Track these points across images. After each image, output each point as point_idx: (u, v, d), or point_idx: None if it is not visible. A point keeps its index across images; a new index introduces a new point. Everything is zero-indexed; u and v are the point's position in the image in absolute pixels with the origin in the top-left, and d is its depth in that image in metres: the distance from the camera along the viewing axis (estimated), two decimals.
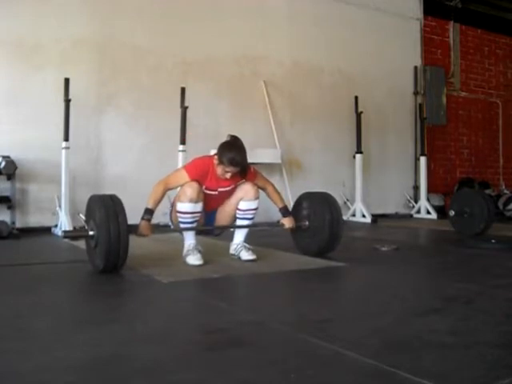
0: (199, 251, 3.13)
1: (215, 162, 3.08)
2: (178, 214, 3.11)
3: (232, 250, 3.32)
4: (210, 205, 3.22)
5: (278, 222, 3.44)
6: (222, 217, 3.30)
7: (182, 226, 3.15)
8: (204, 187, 3.11)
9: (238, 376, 1.40)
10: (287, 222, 3.35)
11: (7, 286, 2.60)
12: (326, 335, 1.73)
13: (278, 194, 3.40)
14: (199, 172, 3.09)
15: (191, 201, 3.02)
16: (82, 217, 3.01)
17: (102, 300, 2.34)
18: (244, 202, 3.23)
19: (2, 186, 4.59)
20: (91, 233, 2.81)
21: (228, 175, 3.07)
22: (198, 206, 3.07)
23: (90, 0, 5.22)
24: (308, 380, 1.37)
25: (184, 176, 3.07)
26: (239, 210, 3.25)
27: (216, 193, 3.18)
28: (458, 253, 3.80)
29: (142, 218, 2.98)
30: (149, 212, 2.99)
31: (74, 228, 4.30)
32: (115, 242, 2.67)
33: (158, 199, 3.04)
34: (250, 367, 1.47)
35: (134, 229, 2.91)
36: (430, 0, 7.64)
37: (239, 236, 3.31)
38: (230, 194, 3.24)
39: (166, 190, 3.08)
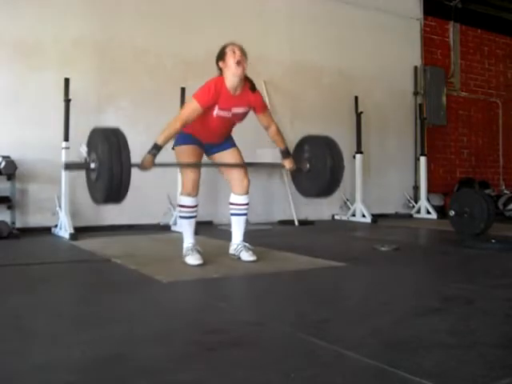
0: (198, 251, 3.14)
1: (225, 71, 3.10)
2: (179, 208, 3.24)
3: (232, 251, 3.32)
4: (217, 132, 3.19)
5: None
6: (219, 162, 3.30)
7: (182, 220, 3.25)
8: (217, 108, 3.07)
9: (238, 376, 1.40)
10: (288, 164, 3.33)
11: (7, 286, 2.60)
12: (326, 335, 1.73)
13: (281, 135, 3.36)
14: (210, 96, 3.04)
15: (189, 195, 3.13)
16: (85, 148, 2.92)
17: (102, 300, 2.34)
18: (236, 196, 3.26)
19: (2, 185, 4.58)
20: (93, 166, 2.75)
21: (239, 55, 3.07)
22: (196, 200, 3.18)
23: (90, 0, 5.21)
24: (308, 380, 1.37)
25: (196, 107, 3.02)
26: (232, 204, 3.29)
27: (229, 115, 3.13)
28: (458, 253, 3.80)
29: (149, 152, 2.94)
30: (156, 147, 2.94)
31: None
32: (117, 178, 2.63)
33: (171, 136, 3.02)
34: (250, 367, 1.47)
35: (137, 164, 2.89)
36: (429, 0, 7.63)
37: (238, 235, 3.31)
38: (240, 118, 3.20)
39: (183, 125, 3.02)
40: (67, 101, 4.60)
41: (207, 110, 3.05)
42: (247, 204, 3.29)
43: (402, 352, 1.58)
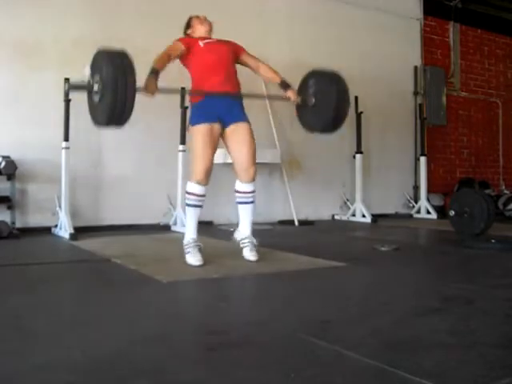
0: (199, 249, 3.08)
1: (191, 32, 3.37)
2: (186, 195, 3.14)
3: (237, 236, 3.26)
4: (218, 65, 3.20)
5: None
6: (228, 140, 3.22)
7: (187, 208, 3.16)
8: (200, 41, 3.23)
9: (238, 376, 1.40)
10: (291, 95, 3.30)
11: (7, 286, 2.60)
12: (325, 335, 1.73)
13: (274, 69, 3.38)
14: (188, 39, 3.29)
15: (199, 183, 3.06)
16: (88, 69, 2.90)
17: (102, 300, 2.34)
18: (241, 184, 3.20)
19: (2, 185, 4.58)
20: (96, 88, 2.73)
21: (203, 19, 3.36)
22: (204, 189, 3.10)
23: (90, 0, 5.21)
24: (308, 380, 1.37)
25: (178, 44, 3.22)
26: (238, 191, 3.22)
27: (213, 40, 3.27)
28: (458, 253, 3.79)
29: (149, 76, 2.97)
30: (155, 71, 2.99)
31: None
32: (121, 102, 2.62)
33: (165, 63, 3.11)
34: (250, 367, 1.47)
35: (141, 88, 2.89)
36: (429, 0, 7.63)
37: (246, 226, 3.23)
38: (228, 51, 3.27)
39: (170, 57, 3.17)
40: (67, 101, 4.59)
41: (191, 50, 3.19)
42: (253, 192, 3.21)
43: (402, 352, 1.58)
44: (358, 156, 6.38)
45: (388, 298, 2.37)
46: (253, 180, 3.20)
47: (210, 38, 3.30)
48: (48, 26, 4.97)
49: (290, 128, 6.35)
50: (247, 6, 6.08)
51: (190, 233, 3.14)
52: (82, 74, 2.93)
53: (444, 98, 7.74)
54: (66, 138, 4.56)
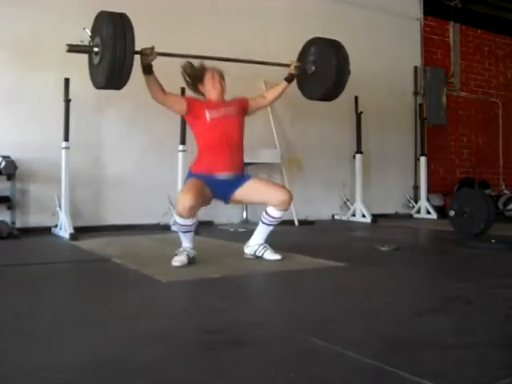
0: (188, 255, 3.06)
1: (203, 90, 3.26)
2: (177, 225, 3.14)
3: (251, 251, 3.27)
4: (225, 146, 3.12)
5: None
6: (244, 196, 3.21)
7: (178, 232, 3.16)
8: (207, 112, 3.13)
9: (238, 376, 1.40)
10: (293, 64, 3.38)
11: (7, 286, 2.61)
12: (325, 335, 1.72)
13: (275, 86, 3.46)
14: (194, 98, 3.24)
15: (181, 216, 2.98)
16: (88, 32, 2.92)
17: (102, 300, 2.34)
18: (277, 211, 3.16)
19: (2, 185, 4.58)
20: (96, 49, 2.76)
21: (217, 81, 3.21)
22: (189, 221, 3.02)
23: (90, 0, 5.21)
24: (308, 380, 1.37)
25: (180, 97, 3.26)
26: (269, 215, 3.19)
27: (221, 114, 3.16)
28: (458, 253, 3.79)
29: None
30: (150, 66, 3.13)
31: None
32: (120, 61, 2.64)
33: (157, 88, 3.15)
34: (250, 367, 1.47)
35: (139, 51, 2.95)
36: (429, 0, 7.63)
37: (259, 239, 3.26)
38: (238, 121, 3.21)
39: (164, 92, 3.15)
40: (67, 101, 4.60)
41: (197, 117, 3.13)
42: (282, 217, 3.23)
43: (402, 352, 1.58)
44: (357, 156, 6.38)
45: (388, 298, 2.37)
46: (289, 205, 3.22)
47: (219, 105, 3.18)
48: (48, 26, 4.97)
49: (290, 128, 6.36)
50: (247, 6, 6.08)
51: (184, 243, 3.14)
52: (83, 36, 2.96)
53: (444, 98, 7.74)
54: (66, 138, 4.57)
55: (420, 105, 7.37)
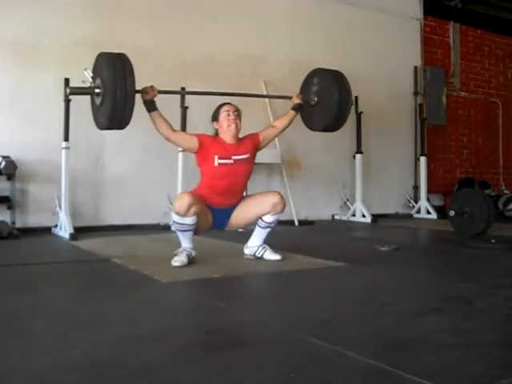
0: (187, 255, 3.06)
1: (220, 132, 3.17)
2: (175, 224, 3.11)
3: (250, 252, 3.28)
4: (228, 189, 3.12)
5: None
6: (240, 218, 3.22)
7: (176, 231, 3.13)
8: (217, 158, 3.08)
9: (237, 376, 1.40)
10: (295, 96, 3.39)
11: (7, 286, 2.61)
12: (325, 335, 1.72)
13: (282, 116, 3.46)
14: (207, 137, 3.14)
15: (178, 213, 2.97)
16: (89, 73, 2.93)
17: (102, 300, 2.34)
18: (272, 216, 3.19)
19: (2, 185, 4.58)
20: (97, 90, 2.80)
21: (232, 119, 3.11)
22: (187, 220, 2.99)
23: (90, 0, 5.21)
24: (308, 380, 1.37)
25: (192, 136, 3.14)
26: (264, 221, 3.21)
27: (231, 162, 3.11)
28: (458, 253, 3.80)
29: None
30: (152, 103, 3.05)
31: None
32: (121, 103, 2.68)
33: (164, 124, 3.05)
34: (250, 367, 1.47)
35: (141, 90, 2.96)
36: (429, 0, 7.63)
37: (258, 240, 3.27)
38: (246, 170, 3.18)
39: (172, 132, 3.09)
40: (67, 101, 4.59)
41: (206, 158, 3.08)
42: (276, 220, 3.24)
43: (402, 352, 1.58)
44: (357, 156, 6.38)
45: (388, 298, 2.37)
46: (282, 211, 3.23)
47: (230, 152, 3.12)
48: (48, 26, 4.97)
49: (290, 128, 6.35)
50: (248, 6, 6.08)
51: (183, 243, 3.13)
52: (84, 77, 2.96)
53: (444, 98, 7.74)
54: (66, 138, 4.56)
55: (420, 105, 7.37)
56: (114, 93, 2.68)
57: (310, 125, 3.47)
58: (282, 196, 3.21)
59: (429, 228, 5.75)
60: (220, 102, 3.26)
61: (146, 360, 1.51)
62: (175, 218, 3.02)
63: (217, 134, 3.20)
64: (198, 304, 2.32)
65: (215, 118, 3.19)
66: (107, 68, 2.75)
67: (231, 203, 3.20)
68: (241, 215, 3.22)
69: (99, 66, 2.87)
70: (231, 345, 1.65)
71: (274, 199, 3.17)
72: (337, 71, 3.45)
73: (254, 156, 3.26)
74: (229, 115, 3.13)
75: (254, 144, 3.25)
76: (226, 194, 3.14)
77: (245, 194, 3.39)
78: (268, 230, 3.26)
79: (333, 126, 3.32)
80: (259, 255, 3.26)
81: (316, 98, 3.35)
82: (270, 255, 3.22)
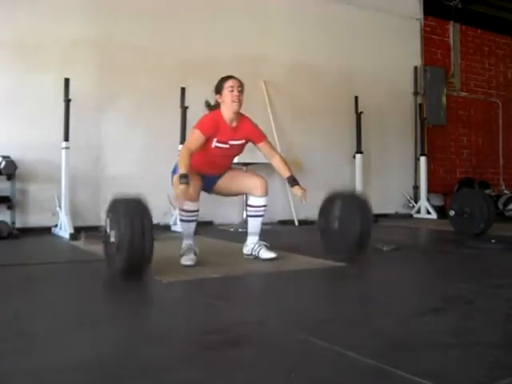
0: (194, 253, 3.14)
1: (221, 105, 3.17)
2: (179, 211, 3.23)
3: (247, 251, 3.32)
4: (218, 163, 3.23)
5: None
6: (223, 187, 3.32)
7: (181, 223, 3.24)
8: (215, 141, 3.14)
9: (238, 376, 1.40)
10: (299, 191, 3.27)
11: (7, 286, 2.60)
12: (326, 335, 1.72)
13: (286, 163, 3.35)
14: (211, 126, 3.13)
15: (190, 199, 3.05)
16: (107, 222, 2.84)
17: (102, 300, 2.34)
18: (254, 198, 3.26)
19: (2, 185, 4.59)
20: (112, 240, 2.67)
21: (236, 95, 3.12)
22: (196, 205, 3.14)
23: (90, 0, 5.22)
24: (308, 380, 1.37)
25: (199, 136, 3.09)
26: (250, 206, 3.30)
27: (227, 146, 3.18)
28: (458, 253, 3.79)
29: (181, 183, 2.92)
30: (185, 176, 2.93)
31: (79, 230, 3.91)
32: (137, 260, 2.57)
33: (188, 162, 3.01)
34: (250, 367, 1.47)
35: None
36: (429, 0, 7.63)
37: (254, 236, 3.31)
38: (239, 151, 3.27)
39: (190, 151, 3.06)
40: (67, 101, 4.60)
41: (207, 141, 3.12)
42: (265, 205, 3.30)
43: (402, 352, 1.58)
44: (358, 156, 6.38)
45: (388, 298, 2.37)
46: (266, 194, 3.27)
47: (228, 137, 3.17)
48: (48, 26, 4.97)
49: (291, 128, 6.36)
50: (247, 6, 6.09)
51: (186, 239, 3.20)
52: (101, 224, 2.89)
53: (444, 98, 7.74)
54: (66, 138, 4.57)
55: (420, 105, 7.37)
56: (131, 253, 2.54)
57: (330, 249, 3.37)
58: (262, 180, 3.26)
59: (429, 228, 5.75)
60: None
61: (146, 360, 1.51)
62: (188, 205, 3.11)
63: (218, 105, 3.22)
64: (198, 304, 2.32)
65: (218, 91, 3.20)
66: (124, 226, 2.58)
67: (218, 173, 3.30)
68: (226, 183, 3.32)
69: (115, 213, 2.70)
70: (231, 345, 1.65)
71: (252, 183, 3.26)
72: (361, 198, 3.43)
73: (245, 144, 3.31)
74: (232, 91, 3.14)
75: (251, 137, 3.27)
76: (215, 167, 3.25)
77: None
78: (259, 220, 3.30)
79: (354, 252, 3.25)
80: (255, 253, 3.28)
81: (337, 224, 3.30)
82: (265, 253, 3.24)
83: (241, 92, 3.18)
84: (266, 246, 3.29)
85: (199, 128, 3.12)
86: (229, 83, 3.17)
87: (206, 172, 3.22)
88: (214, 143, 3.15)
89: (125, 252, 2.56)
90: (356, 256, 3.28)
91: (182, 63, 5.62)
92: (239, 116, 3.23)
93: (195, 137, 3.11)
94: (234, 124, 3.20)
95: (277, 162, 3.33)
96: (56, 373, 1.42)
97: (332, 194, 3.45)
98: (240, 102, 3.17)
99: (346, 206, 3.34)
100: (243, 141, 3.25)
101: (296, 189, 3.28)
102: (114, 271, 2.71)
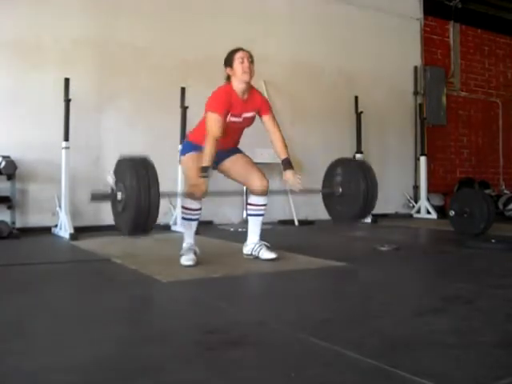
0: (194, 252, 3.12)
1: (232, 78, 3.16)
2: (182, 210, 3.20)
3: (248, 251, 3.31)
4: (228, 137, 3.17)
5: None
6: (226, 168, 3.29)
7: (183, 221, 3.23)
8: (230, 115, 3.11)
9: (238, 376, 1.40)
10: (291, 176, 3.21)
11: (7, 286, 2.60)
12: (326, 335, 1.72)
13: (285, 144, 3.30)
14: (224, 101, 3.08)
15: (192, 197, 3.06)
16: (112, 178, 2.86)
17: (102, 300, 2.34)
18: (255, 196, 3.27)
19: (2, 185, 4.58)
20: (119, 197, 2.71)
21: (247, 66, 3.12)
22: (199, 204, 3.13)
23: (90, 0, 5.21)
24: (308, 380, 1.37)
25: (216, 117, 3.04)
26: (250, 204, 3.31)
27: (240, 120, 3.18)
28: (458, 253, 3.80)
29: (201, 177, 2.91)
30: (205, 169, 2.92)
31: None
32: (144, 214, 2.58)
33: (214, 153, 2.99)
34: (250, 367, 1.47)
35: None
36: (429, 0, 7.64)
37: (254, 235, 3.31)
38: (249, 122, 3.24)
39: (215, 137, 3.00)
40: (67, 101, 4.60)
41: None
42: (266, 204, 3.32)
43: (402, 352, 1.58)
44: (357, 156, 6.38)
45: (388, 298, 2.37)
46: (266, 193, 3.27)
47: (242, 110, 3.16)
48: (48, 26, 4.97)
49: (291, 128, 6.35)
50: (248, 6, 6.08)
51: (187, 239, 3.19)
52: (106, 181, 2.88)
53: (444, 98, 7.74)
54: (66, 138, 4.57)
55: (420, 105, 7.37)
56: (138, 205, 2.54)
57: (335, 217, 3.35)
58: (264, 181, 3.24)
59: (429, 228, 5.75)
60: None
61: (146, 360, 1.51)
62: (188, 204, 3.10)
63: (229, 78, 3.21)
64: (198, 304, 2.32)
65: (229, 64, 3.19)
66: (130, 177, 2.61)
67: (228, 147, 3.25)
68: (232, 165, 3.28)
69: (121, 172, 2.74)
70: (231, 345, 1.65)
71: (255, 182, 3.23)
72: (363, 161, 3.42)
73: (253, 119, 3.29)
74: (243, 62, 3.14)
75: (260, 108, 3.24)
76: (226, 140, 3.16)
77: None
78: (259, 219, 3.30)
79: (358, 217, 3.26)
80: (256, 253, 3.27)
81: (341, 189, 3.29)
82: (265, 254, 3.23)
83: (251, 63, 3.18)
84: (266, 246, 3.28)
85: (215, 109, 3.05)
86: (239, 54, 3.18)
87: (221, 147, 3.13)
88: (229, 117, 3.12)
89: (131, 208, 2.58)
90: (363, 217, 3.25)
91: (182, 63, 5.62)
92: (250, 88, 3.21)
93: (214, 120, 3.03)
94: (246, 96, 3.18)
95: (276, 140, 3.28)
96: (56, 373, 1.42)
97: (333, 161, 3.44)
98: (251, 73, 3.16)
99: (347, 170, 3.33)
100: (253, 113, 3.23)
101: (288, 173, 3.23)
102: (122, 230, 2.71)
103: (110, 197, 2.84)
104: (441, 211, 6.68)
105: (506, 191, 7.59)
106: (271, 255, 3.21)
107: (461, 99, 8.06)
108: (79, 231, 4.44)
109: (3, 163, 4.47)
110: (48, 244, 4.21)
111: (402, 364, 1.45)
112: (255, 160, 5.49)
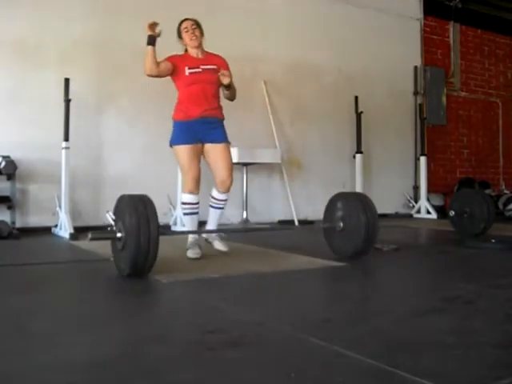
0: (199, 247, 3.31)
1: (184, 44, 3.45)
2: (182, 206, 3.46)
3: (206, 235, 3.50)
4: (199, 94, 3.33)
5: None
6: (207, 152, 3.41)
7: (185, 216, 3.50)
8: (187, 68, 3.33)
9: (238, 376, 1.40)
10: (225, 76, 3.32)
11: (7, 286, 2.60)
12: (326, 335, 1.72)
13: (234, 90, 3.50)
14: (176, 56, 3.40)
15: (191, 192, 3.32)
16: (111, 216, 2.87)
17: (102, 300, 2.34)
18: (216, 192, 3.41)
19: (2, 185, 4.59)
20: (119, 235, 2.70)
21: (191, 33, 3.40)
22: (196, 198, 3.37)
23: (90, 0, 5.22)
24: (308, 380, 1.37)
25: (165, 62, 3.33)
26: (212, 197, 3.44)
27: (199, 70, 3.35)
28: (458, 253, 3.80)
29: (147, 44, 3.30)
30: (150, 37, 3.34)
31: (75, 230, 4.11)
32: (144, 251, 2.58)
33: (154, 58, 3.28)
34: (250, 367, 1.47)
35: None
36: (430, 0, 7.64)
37: (212, 224, 3.46)
38: (214, 74, 3.34)
39: (155, 66, 3.27)
40: (67, 101, 4.60)
41: (178, 72, 3.33)
42: (226, 200, 3.46)
43: (402, 352, 1.57)
44: (358, 156, 6.38)
45: (388, 297, 2.37)
46: (228, 191, 3.43)
47: (198, 62, 3.38)
48: (48, 26, 4.98)
49: (290, 128, 6.36)
50: (247, 6, 6.08)
51: (192, 234, 3.38)
52: (105, 218, 2.92)
53: (444, 98, 7.75)
54: (66, 138, 4.57)
55: (420, 105, 7.37)
56: (137, 240, 2.55)
57: (337, 250, 3.35)
58: (228, 180, 3.37)
59: (429, 228, 5.75)
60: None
61: (146, 360, 1.51)
62: (186, 198, 3.35)
63: (186, 50, 3.47)
64: (198, 304, 2.32)
65: (179, 35, 3.48)
66: (129, 215, 2.62)
67: (205, 109, 3.35)
68: (213, 152, 3.39)
69: (121, 210, 2.75)
70: (231, 345, 1.65)
71: (221, 177, 3.37)
72: (360, 193, 3.51)
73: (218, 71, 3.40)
74: (187, 31, 3.42)
75: (217, 63, 3.43)
76: (199, 99, 3.33)
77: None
78: (219, 212, 3.45)
79: (361, 251, 3.24)
80: (210, 240, 3.44)
81: (342, 224, 3.29)
82: (218, 245, 3.40)
83: (196, 29, 3.43)
84: (221, 237, 3.47)
85: (166, 59, 3.35)
86: (183, 25, 3.46)
87: (197, 113, 3.31)
88: (187, 70, 3.33)
89: (132, 244, 2.59)
90: (366, 250, 3.27)
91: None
92: (205, 52, 3.46)
93: (162, 61, 3.32)
94: (201, 56, 3.42)
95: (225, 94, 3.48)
96: (56, 373, 1.42)
97: (334, 195, 3.47)
98: (197, 37, 3.41)
99: (347, 204, 3.33)
100: (215, 66, 3.38)
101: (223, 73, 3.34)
102: (122, 270, 2.71)
103: (110, 236, 2.83)
104: (441, 211, 6.68)
105: (505, 191, 7.59)
106: (222, 248, 3.37)
107: (461, 99, 8.06)
108: (79, 231, 4.43)
109: (3, 163, 4.47)
110: (48, 244, 4.20)
111: (402, 364, 1.45)
112: (255, 160, 5.54)
